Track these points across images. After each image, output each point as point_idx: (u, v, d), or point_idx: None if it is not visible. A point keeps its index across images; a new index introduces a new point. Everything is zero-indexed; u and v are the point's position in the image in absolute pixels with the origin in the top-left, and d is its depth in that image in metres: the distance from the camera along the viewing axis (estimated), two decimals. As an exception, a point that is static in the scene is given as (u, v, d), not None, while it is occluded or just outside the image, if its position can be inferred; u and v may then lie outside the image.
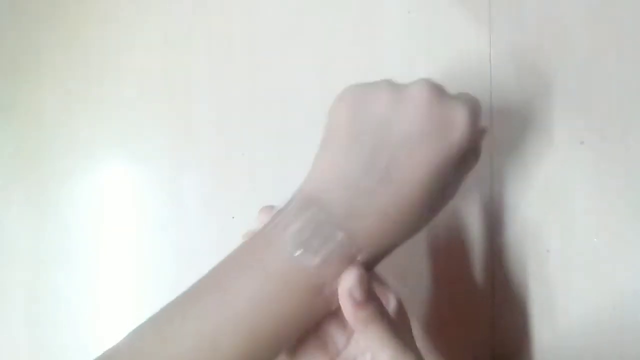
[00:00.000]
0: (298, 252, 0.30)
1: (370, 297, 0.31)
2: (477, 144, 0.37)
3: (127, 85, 0.51)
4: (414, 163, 0.31)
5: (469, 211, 0.48)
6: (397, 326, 0.32)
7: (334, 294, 0.31)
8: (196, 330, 0.31)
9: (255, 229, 0.34)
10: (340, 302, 0.31)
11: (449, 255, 0.48)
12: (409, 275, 0.48)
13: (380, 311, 0.31)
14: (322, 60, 0.50)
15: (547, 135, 0.48)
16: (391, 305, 0.34)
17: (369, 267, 0.33)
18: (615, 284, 0.47)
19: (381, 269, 0.48)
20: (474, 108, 0.33)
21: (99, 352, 0.49)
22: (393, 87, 0.34)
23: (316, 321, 0.32)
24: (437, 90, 0.33)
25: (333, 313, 0.32)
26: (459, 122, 0.31)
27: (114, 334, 0.50)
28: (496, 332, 0.47)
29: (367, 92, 0.34)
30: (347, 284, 0.30)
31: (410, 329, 0.35)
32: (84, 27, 0.51)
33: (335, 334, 0.33)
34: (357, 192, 0.31)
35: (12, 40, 0.52)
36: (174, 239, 0.49)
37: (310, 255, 0.30)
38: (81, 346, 0.49)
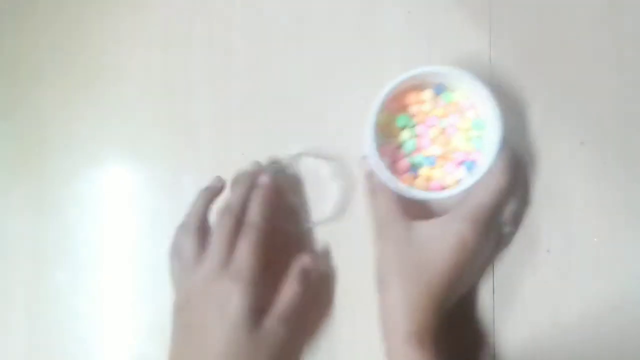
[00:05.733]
0: None
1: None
2: None
3: (127, 85, 0.51)
4: None
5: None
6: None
7: None
8: None
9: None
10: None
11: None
12: (409, 275, 0.48)
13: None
14: (322, 59, 0.50)
15: (547, 136, 0.48)
16: None
17: None
18: (615, 284, 0.47)
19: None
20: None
21: (99, 352, 0.50)
22: None
23: None
24: None
25: None
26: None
27: (114, 334, 0.50)
28: (496, 331, 0.47)
29: None
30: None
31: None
32: (83, 27, 0.51)
33: None
34: None
35: (12, 41, 0.52)
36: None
37: None
38: (81, 346, 0.50)
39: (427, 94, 0.45)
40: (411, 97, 0.45)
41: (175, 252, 0.44)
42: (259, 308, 0.41)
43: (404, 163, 0.45)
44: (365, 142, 0.43)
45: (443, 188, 0.45)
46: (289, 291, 0.42)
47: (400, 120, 0.45)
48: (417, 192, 0.43)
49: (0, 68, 0.52)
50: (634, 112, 0.48)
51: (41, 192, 0.51)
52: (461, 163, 0.45)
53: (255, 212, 0.44)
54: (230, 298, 0.40)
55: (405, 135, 0.46)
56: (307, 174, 0.49)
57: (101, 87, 0.51)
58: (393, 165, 0.45)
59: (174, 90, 0.50)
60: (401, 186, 0.43)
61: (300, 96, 0.49)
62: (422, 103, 0.46)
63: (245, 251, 0.41)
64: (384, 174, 0.42)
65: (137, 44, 0.51)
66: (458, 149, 0.45)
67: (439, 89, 0.45)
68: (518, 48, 0.49)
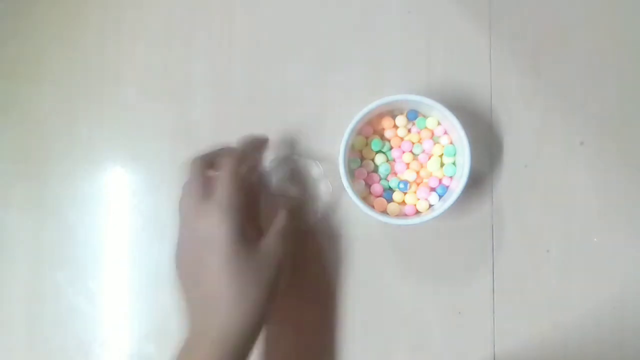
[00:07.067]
0: None
1: None
2: None
3: (127, 85, 0.51)
4: None
5: (470, 211, 0.48)
6: None
7: None
8: None
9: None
10: None
11: (450, 255, 0.48)
12: (411, 276, 0.48)
13: None
14: (322, 60, 0.50)
15: (547, 136, 0.48)
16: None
17: None
18: (615, 284, 0.47)
19: (389, 268, 0.48)
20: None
21: (99, 352, 0.50)
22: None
23: None
24: None
25: None
26: None
27: (114, 334, 0.50)
28: (496, 331, 0.47)
29: None
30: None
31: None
32: (83, 27, 0.51)
33: None
34: None
35: (12, 41, 0.52)
36: (174, 239, 0.49)
37: None
38: (81, 346, 0.50)
39: (401, 120, 0.46)
40: (385, 122, 0.46)
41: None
42: (248, 236, 0.40)
43: (378, 186, 0.46)
44: (339, 166, 0.43)
45: (417, 213, 0.45)
46: (281, 216, 0.44)
47: (375, 144, 0.46)
48: (390, 219, 0.43)
49: (0, 69, 0.52)
50: (634, 112, 0.48)
51: (41, 192, 0.51)
52: (434, 189, 0.45)
53: (237, 146, 0.44)
54: (219, 228, 0.39)
55: (379, 159, 0.46)
56: (299, 175, 0.49)
57: (101, 87, 0.51)
58: (368, 188, 0.46)
59: (174, 90, 0.50)
60: (374, 213, 0.43)
61: (300, 96, 0.49)
62: (397, 128, 0.46)
63: (222, 182, 0.41)
64: (355, 199, 0.43)
65: (138, 43, 0.51)
66: (431, 174, 0.46)
67: (413, 115, 0.46)
68: (518, 48, 0.49)
